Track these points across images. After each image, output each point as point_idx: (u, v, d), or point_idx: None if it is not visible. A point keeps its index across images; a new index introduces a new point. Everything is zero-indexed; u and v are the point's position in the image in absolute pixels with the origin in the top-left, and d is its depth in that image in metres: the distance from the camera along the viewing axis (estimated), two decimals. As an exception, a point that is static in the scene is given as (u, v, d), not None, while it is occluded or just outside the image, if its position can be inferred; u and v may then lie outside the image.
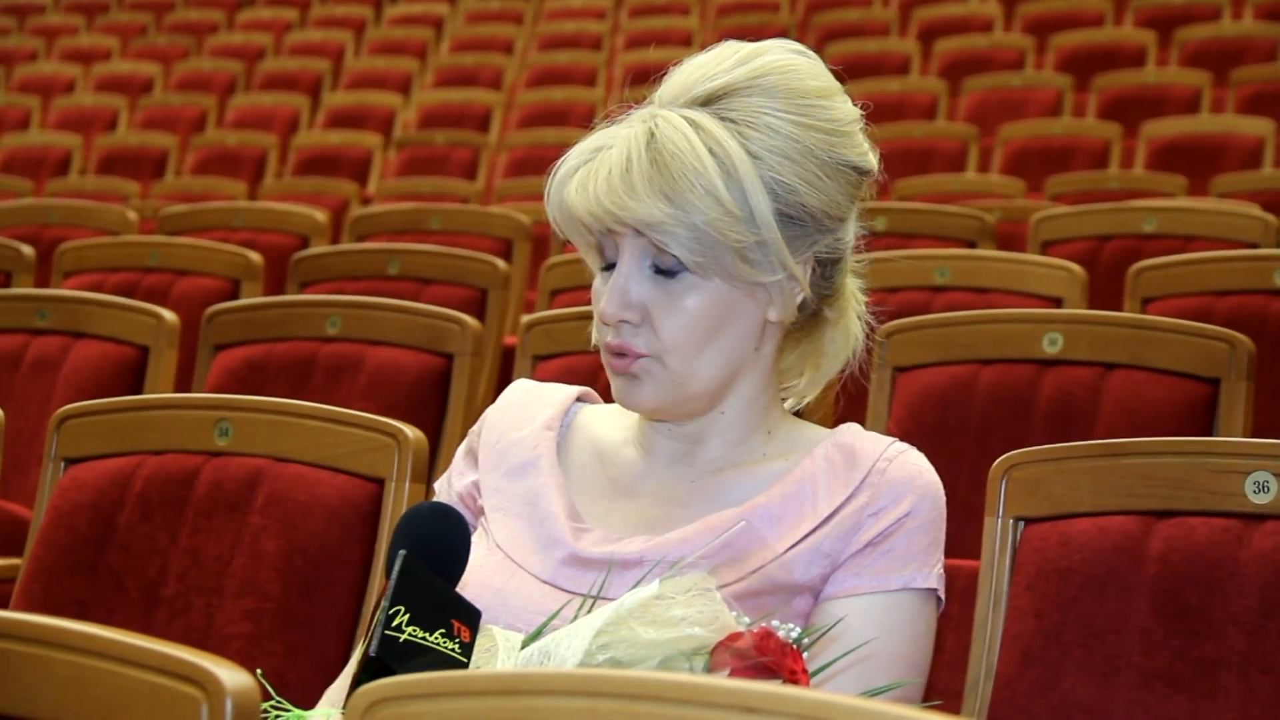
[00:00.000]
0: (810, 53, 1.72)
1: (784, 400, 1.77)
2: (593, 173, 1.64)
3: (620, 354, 1.67)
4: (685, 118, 1.63)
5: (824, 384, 1.78)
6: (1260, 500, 1.74)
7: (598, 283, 1.69)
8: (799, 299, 1.69)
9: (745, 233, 1.62)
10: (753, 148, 1.63)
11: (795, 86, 1.66)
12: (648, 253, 1.64)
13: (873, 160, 1.72)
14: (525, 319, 3.05)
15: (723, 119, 1.64)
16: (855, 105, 1.73)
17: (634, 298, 1.65)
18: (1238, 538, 1.73)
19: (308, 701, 1.67)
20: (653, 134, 1.62)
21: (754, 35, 1.76)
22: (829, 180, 1.66)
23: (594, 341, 1.72)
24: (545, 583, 1.67)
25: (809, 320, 1.74)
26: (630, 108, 1.70)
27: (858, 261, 1.76)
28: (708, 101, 1.65)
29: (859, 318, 1.77)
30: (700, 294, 1.64)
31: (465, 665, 1.47)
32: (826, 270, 1.71)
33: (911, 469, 1.67)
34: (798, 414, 1.79)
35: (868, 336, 1.78)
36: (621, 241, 1.65)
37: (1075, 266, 3.35)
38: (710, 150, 1.61)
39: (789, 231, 1.64)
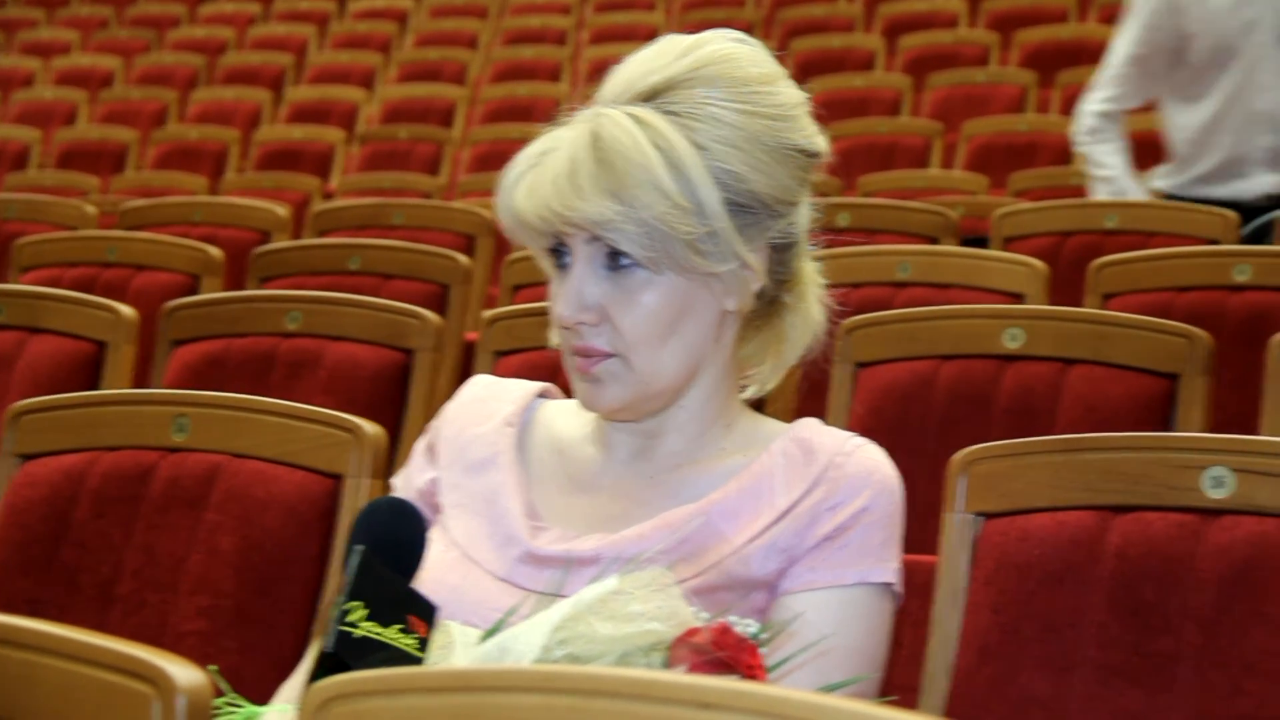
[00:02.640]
0: (751, 40, 1.72)
1: (745, 389, 1.76)
2: (540, 176, 1.63)
3: (585, 355, 1.66)
4: (628, 114, 1.63)
5: (786, 370, 1.78)
6: (1217, 495, 1.74)
7: (554, 285, 1.68)
8: (756, 287, 1.69)
9: (695, 224, 1.61)
10: (698, 139, 1.62)
11: (737, 75, 1.66)
12: (600, 252, 1.64)
13: (820, 142, 1.71)
14: (487, 314, 3.05)
15: (666, 113, 1.63)
16: (800, 89, 1.72)
17: (589, 298, 1.64)
18: (1194, 533, 1.74)
19: (263, 699, 1.66)
20: (596, 133, 1.62)
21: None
22: (777, 165, 1.66)
23: (554, 343, 1.72)
24: (502, 580, 1.66)
25: (768, 307, 1.73)
26: (574, 109, 1.69)
27: (813, 245, 1.75)
28: (650, 96, 1.65)
29: (819, 301, 1.77)
30: (656, 289, 1.64)
31: (422, 661, 1.46)
32: (782, 256, 1.70)
33: (869, 463, 1.67)
34: (760, 403, 1.78)
35: (829, 321, 1.78)
36: (573, 243, 1.64)
37: (1036, 262, 3.36)
38: (655, 144, 1.61)
39: (740, 220, 1.64)
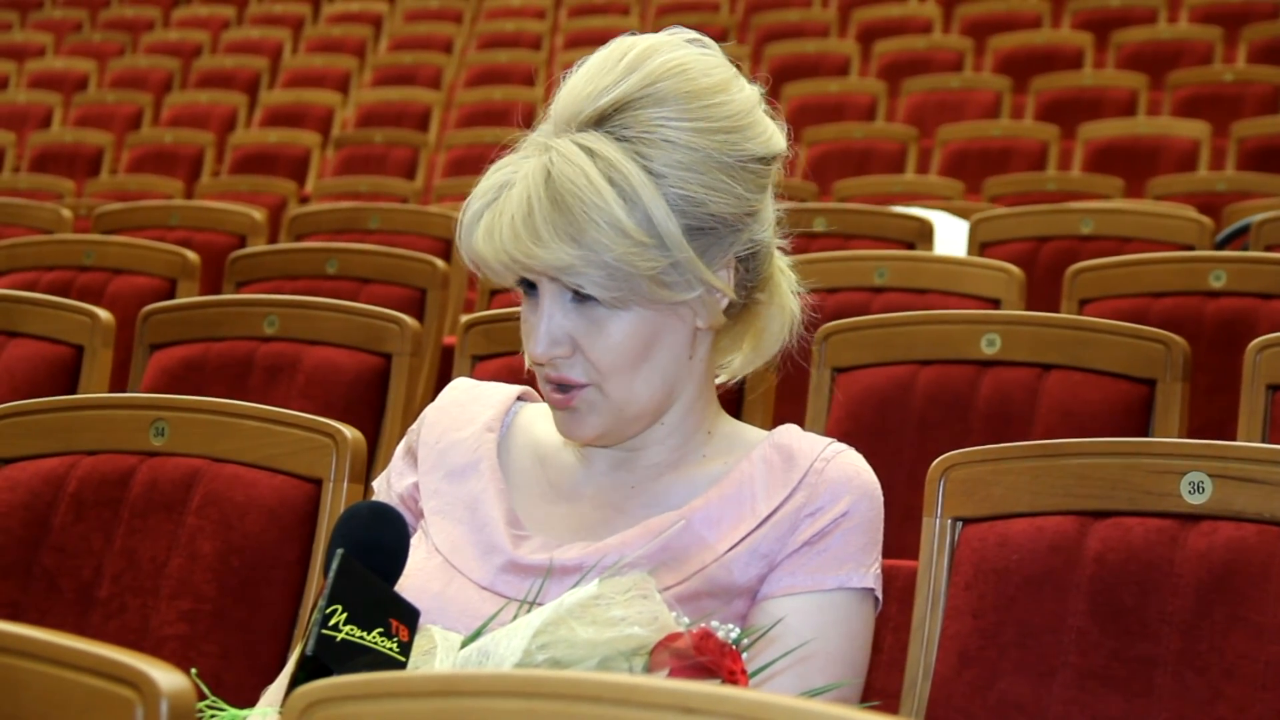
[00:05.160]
0: (704, 39, 1.68)
1: (717, 377, 1.75)
2: (497, 218, 1.60)
3: (561, 388, 1.66)
4: (580, 145, 1.60)
5: (764, 361, 1.77)
6: (1195, 501, 1.75)
7: (525, 310, 1.67)
8: (725, 304, 1.68)
9: (657, 258, 1.59)
10: (653, 166, 1.59)
11: (688, 88, 1.62)
12: (566, 288, 1.62)
13: (778, 140, 1.68)
14: (464, 319, 3.04)
15: (618, 139, 1.60)
16: (753, 84, 1.69)
17: (559, 334, 1.63)
18: (1172, 538, 1.74)
19: (244, 702, 1.66)
20: (549, 172, 1.59)
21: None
22: (734, 181, 1.63)
23: (528, 366, 1.71)
24: (484, 589, 1.66)
25: (743, 309, 1.72)
26: (528, 132, 1.67)
27: (783, 240, 1.73)
28: (600, 120, 1.62)
29: (793, 293, 1.75)
30: (623, 321, 1.62)
31: (404, 665, 1.46)
32: (749, 264, 1.69)
33: (849, 469, 1.67)
34: (738, 408, 1.78)
35: (805, 313, 1.76)
36: (539, 281, 1.63)
37: (1013, 268, 3.36)
38: (609, 179, 1.58)
39: (701, 243, 1.62)
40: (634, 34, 1.70)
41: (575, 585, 1.50)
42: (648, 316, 1.63)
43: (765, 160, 1.67)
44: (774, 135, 1.68)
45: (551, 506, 1.72)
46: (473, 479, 1.73)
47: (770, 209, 1.70)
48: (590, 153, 1.59)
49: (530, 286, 1.65)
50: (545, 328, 1.62)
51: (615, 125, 1.61)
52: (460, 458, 1.75)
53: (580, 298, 1.62)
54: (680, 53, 1.66)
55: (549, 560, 1.65)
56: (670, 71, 1.63)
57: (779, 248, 1.73)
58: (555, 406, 1.67)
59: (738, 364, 1.76)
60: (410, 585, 1.60)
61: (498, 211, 1.61)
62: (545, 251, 1.58)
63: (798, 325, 1.75)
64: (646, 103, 1.62)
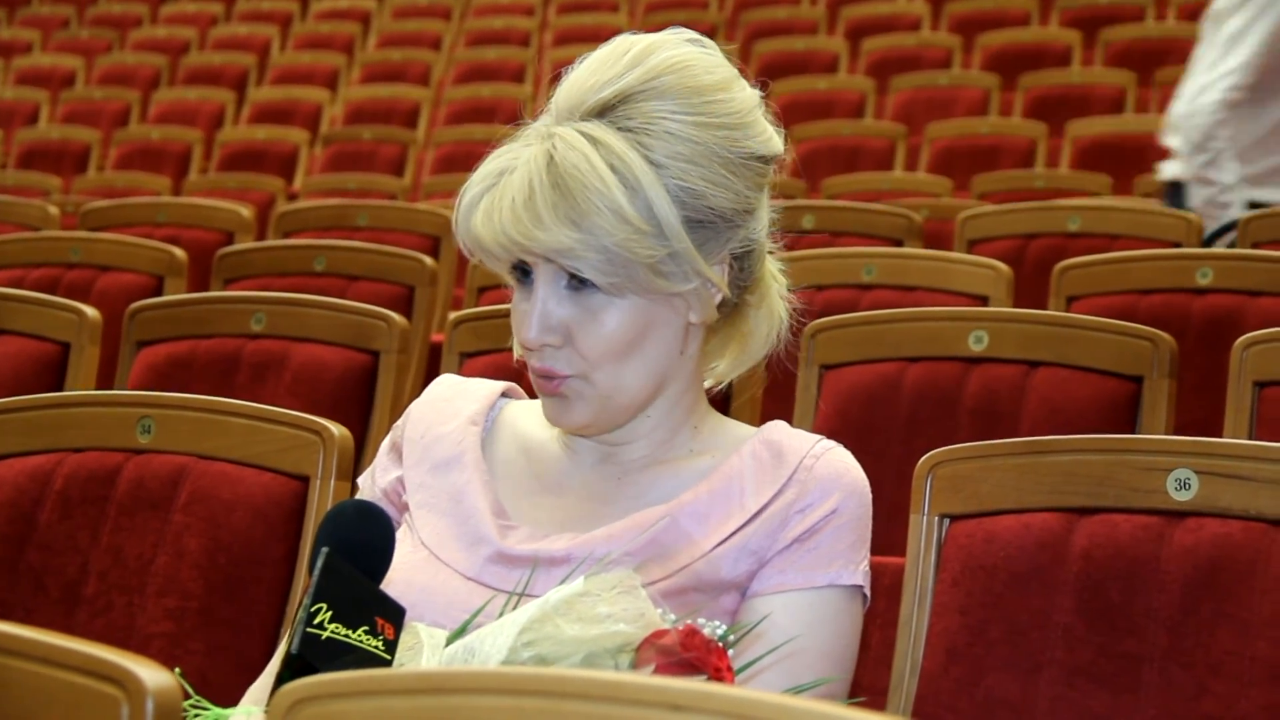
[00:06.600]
0: (704, 40, 1.70)
1: (704, 380, 1.76)
2: (497, 201, 1.61)
3: (548, 376, 1.66)
4: (583, 133, 1.60)
5: (750, 366, 1.77)
6: (1181, 497, 1.75)
7: (517, 298, 1.67)
8: (719, 299, 1.69)
9: (656, 246, 1.60)
10: (654, 156, 1.60)
11: (690, 84, 1.64)
12: (562, 274, 1.63)
13: (777, 143, 1.69)
14: (452, 316, 3.04)
15: (620, 129, 1.61)
16: (754, 87, 1.70)
17: (553, 320, 1.63)
18: (1159, 535, 1.75)
19: (230, 701, 1.66)
20: (552, 157, 1.59)
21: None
22: (734, 177, 1.64)
23: (516, 356, 1.71)
24: (471, 580, 1.66)
25: (732, 310, 1.73)
26: (528, 121, 1.67)
27: (775, 244, 1.74)
28: (603, 111, 1.62)
29: (781, 298, 1.76)
30: (618, 310, 1.63)
31: (389, 663, 1.46)
32: (743, 263, 1.69)
33: (838, 466, 1.68)
34: (726, 405, 1.78)
35: (792, 319, 1.77)
36: (535, 265, 1.63)
37: (1001, 265, 3.37)
38: (611, 166, 1.59)
39: (700, 236, 1.63)
40: (635, 34, 1.70)
41: (563, 579, 1.50)
42: (642, 306, 1.63)
43: (764, 159, 1.68)
44: (773, 137, 1.70)
45: (538, 498, 1.72)
46: (457, 471, 1.73)
47: (766, 211, 1.71)
48: (593, 140, 1.60)
49: (524, 275, 1.65)
50: (539, 311, 1.63)
51: (617, 116, 1.62)
52: (444, 451, 1.75)
53: (575, 285, 1.63)
54: (683, 50, 1.67)
55: (536, 551, 1.65)
56: (673, 67, 1.64)
57: (770, 252, 1.74)
58: (544, 393, 1.68)
59: (723, 368, 1.77)
60: (396, 579, 1.60)
61: (498, 195, 1.61)
62: (545, 234, 1.58)
63: (785, 331, 1.76)
64: (649, 95, 1.63)
